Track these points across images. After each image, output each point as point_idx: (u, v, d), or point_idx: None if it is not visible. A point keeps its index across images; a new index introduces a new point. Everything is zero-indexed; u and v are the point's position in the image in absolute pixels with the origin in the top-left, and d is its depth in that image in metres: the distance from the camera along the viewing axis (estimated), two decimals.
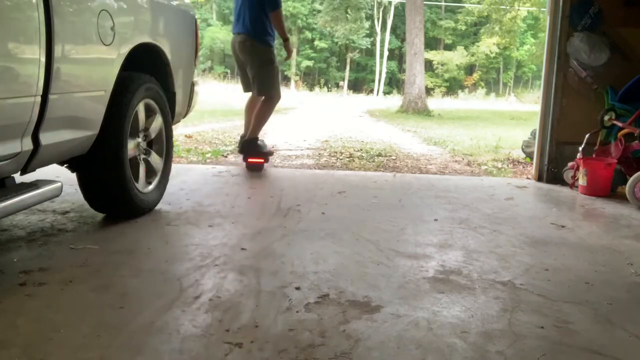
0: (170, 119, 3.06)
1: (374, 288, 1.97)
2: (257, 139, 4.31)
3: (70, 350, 1.47)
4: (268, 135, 7.43)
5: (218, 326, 1.63)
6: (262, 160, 4.32)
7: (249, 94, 4.37)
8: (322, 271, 2.12)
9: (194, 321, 1.66)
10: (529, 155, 5.31)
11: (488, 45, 31.29)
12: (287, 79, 34.93)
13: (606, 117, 4.00)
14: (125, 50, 2.51)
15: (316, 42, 34.50)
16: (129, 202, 2.63)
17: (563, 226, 2.97)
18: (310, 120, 10.70)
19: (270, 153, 4.50)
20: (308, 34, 34.93)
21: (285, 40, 4.24)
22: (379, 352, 1.52)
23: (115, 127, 2.50)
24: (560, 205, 3.51)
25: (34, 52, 1.92)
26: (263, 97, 4.23)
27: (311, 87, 31.43)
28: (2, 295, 1.79)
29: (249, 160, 4.28)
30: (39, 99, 1.98)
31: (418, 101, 15.02)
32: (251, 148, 4.29)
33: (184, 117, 3.53)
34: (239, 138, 4.72)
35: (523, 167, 5.19)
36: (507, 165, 5.26)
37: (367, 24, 32.13)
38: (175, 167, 3.75)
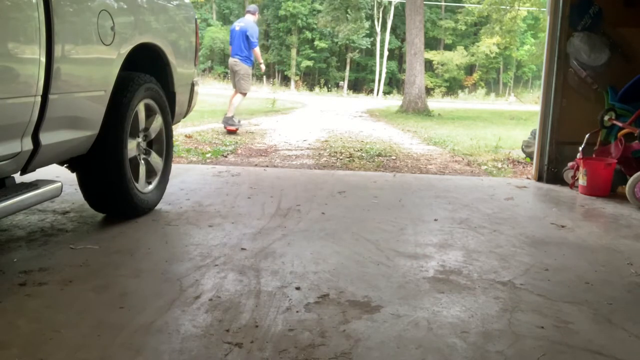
0: (170, 119, 3.06)
1: (374, 288, 1.97)
2: (233, 116, 7.56)
3: (70, 350, 1.47)
4: (268, 135, 7.44)
5: (218, 326, 1.63)
6: (236, 129, 7.47)
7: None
8: (322, 271, 2.12)
9: (194, 321, 1.66)
10: (529, 155, 5.31)
11: (488, 45, 31.29)
12: (287, 79, 34.98)
13: (606, 117, 4.00)
14: (125, 50, 2.51)
15: (316, 42, 34.49)
16: (129, 202, 2.63)
17: (563, 226, 2.97)
18: (310, 121, 10.70)
19: (238, 127, 7.62)
20: (308, 34, 34.94)
21: (260, 63, 8.11)
22: (379, 352, 1.52)
23: (115, 127, 2.50)
24: (560, 205, 3.51)
25: (34, 52, 1.92)
26: (240, 92, 7.70)
27: (311, 87, 31.44)
28: (2, 295, 1.79)
29: (227, 128, 7.43)
30: (39, 99, 1.98)
31: (418, 101, 15.02)
32: (229, 121, 7.49)
33: (184, 117, 3.53)
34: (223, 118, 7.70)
35: (523, 167, 5.19)
36: (507, 165, 5.26)
37: (367, 24, 32.13)
38: (175, 167, 3.75)
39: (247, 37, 7.48)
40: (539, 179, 4.31)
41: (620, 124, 3.88)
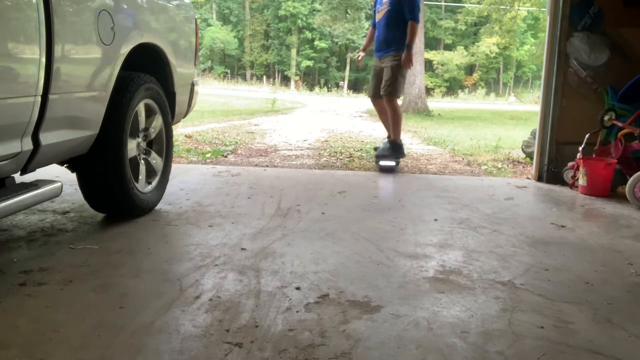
0: (170, 119, 3.07)
1: (374, 288, 1.97)
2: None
3: (70, 350, 1.47)
4: (268, 135, 7.43)
5: (218, 326, 1.63)
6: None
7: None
8: (322, 271, 2.12)
9: (194, 321, 1.66)
10: (529, 155, 5.31)
11: (488, 45, 31.31)
12: (287, 79, 34.99)
13: (606, 117, 4.00)
14: (125, 50, 2.51)
15: (316, 42, 34.50)
16: (129, 202, 2.63)
17: (563, 226, 2.97)
18: (310, 120, 10.70)
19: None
20: (308, 34, 34.95)
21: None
22: (379, 352, 1.52)
23: (115, 127, 2.50)
24: (560, 205, 3.51)
25: (34, 52, 1.92)
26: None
27: (311, 87, 31.44)
28: (2, 295, 1.79)
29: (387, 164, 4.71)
30: (39, 99, 1.98)
31: (418, 101, 15.03)
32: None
33: (184, 117, 3.53)
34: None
35: (523, 167, 5.19)
36: (507, 165, 5.26)
37: (366, 24, 32.13)
38: (175, 167, 3.75)
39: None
40: (539, 179, 4.31)
41: (620, 124, 3.88)
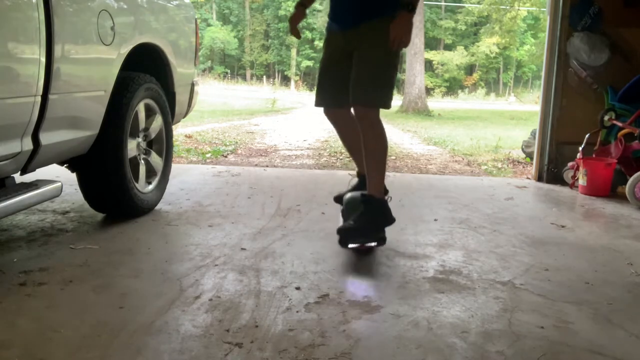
0: (170, 119, 3.07)
1: (374, 288, 1.97)
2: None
3: (70, 350, 1.47)
4: (268, 135, 7.43)
5: (218, 326, 1.63)
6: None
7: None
8: (322, 271, 2.12)
9: (194, 321, 1.66)
10: (529, 155, 5.31)
11: (488, 45, 31.32)
12: (287, 79, 34.98)
13: (606, 117, 4.00)
14: (125, 50, 2.51)
15: (316, 42, 34.48)
16: (129, 202, 2.63)
17: (563, 226, 2.97)
18: (310, 120, 10.70)
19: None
20: (308, 34, 34.94)
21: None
22: (379, 352, 1.52)
23: (115, 127, 2.50)
24: (560, 205, 3.51)
25: (34, 52, 1.92)
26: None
27: (311, 87, 31.42)
28: (2, 295, 1.79)
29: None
30: (39, 99, 1.98)
31: (418, 101, 15.04)
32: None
33: (184, 117, 3.53)
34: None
35: (523, 167, 5.19)
36: (507, 165, 5.26)
37: None
38: (175, 167, 3.75)
39: None
40: (539, 179, 4.31)
41: (620, 124, 3.88)
